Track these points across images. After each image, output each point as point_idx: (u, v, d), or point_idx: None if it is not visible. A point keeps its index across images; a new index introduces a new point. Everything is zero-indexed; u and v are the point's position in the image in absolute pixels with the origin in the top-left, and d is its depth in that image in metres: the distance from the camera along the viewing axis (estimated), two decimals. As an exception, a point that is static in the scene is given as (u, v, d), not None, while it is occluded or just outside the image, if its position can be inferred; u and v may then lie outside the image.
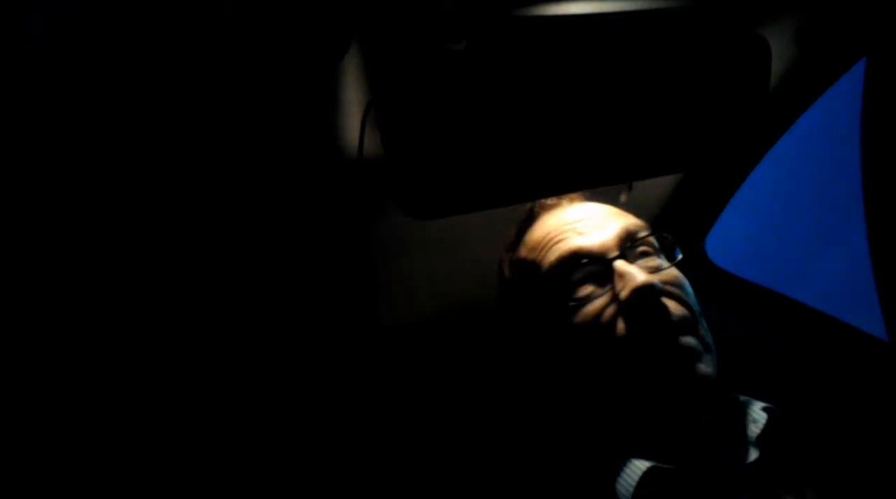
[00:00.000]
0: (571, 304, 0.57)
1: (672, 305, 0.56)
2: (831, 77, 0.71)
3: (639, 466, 0.54)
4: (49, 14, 0.45)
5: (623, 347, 0.55)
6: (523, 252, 0.64)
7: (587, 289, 0.57)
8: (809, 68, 0.70)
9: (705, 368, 0.54)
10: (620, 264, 0.57)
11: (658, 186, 0.85)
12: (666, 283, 0.57)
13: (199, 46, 0.49)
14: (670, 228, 0.66)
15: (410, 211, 0.54)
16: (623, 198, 0.77)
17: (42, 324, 0.61)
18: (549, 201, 0.68)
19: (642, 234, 0.61)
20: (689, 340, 0.54)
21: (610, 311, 0.56)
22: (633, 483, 0.53)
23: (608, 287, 0.57)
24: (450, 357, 0.82)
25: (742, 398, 0.62)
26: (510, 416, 0.73)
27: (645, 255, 0.60)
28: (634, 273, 0.55)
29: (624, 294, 0.55)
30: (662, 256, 0.61)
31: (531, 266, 0.62)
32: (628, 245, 0.59)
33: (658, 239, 0.63)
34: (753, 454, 0.55)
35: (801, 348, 0.80)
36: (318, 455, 0.75)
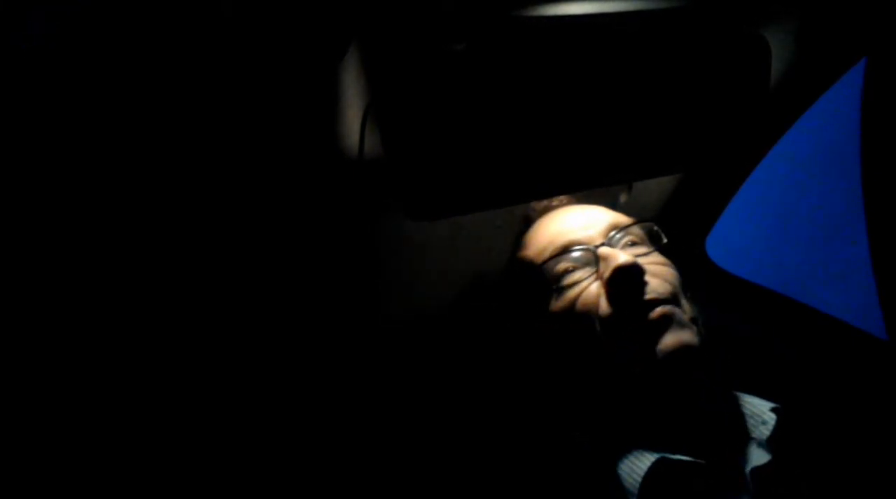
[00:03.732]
0: (560, 291, 0.60)
1: (655, 282, 0.57)
2: (831, 77, 0.71)
3: (647, 457, 0.54)
4: (49, 14, 0.45)
5: (606, 323, 0.56)
6: (523, 256, 0.67)
7: (574, 276, 0.60)
8: (809, 68, 0.70)
9: (687, 335, 0.54)
10: (604, 249, 0.59)
11: (658, 186, 0.85)
12: (650, 264, 0.59)
13: (199, 46, 0.49)
14: (670, 229, 0.66)
15: (410, 212, 0.54)
16: (623, 198, 0.77)
17: (41, 324, 0.61)
18: (542, 205, 0.71)
19: (626, 224, 0.63)
20: (668, 308, 0.55)
21: (593, 291, 0.58)
22: (641, 475, 0.53)
23: (594, 271, 0.59)
24: (449, 355, 0.82)
25: (748, 398, 0.62)
26: (512, 410, 0.73)
27: (633, 244, 0.62)
28: (617, 254, 0.57)
29: (606, 274, 0.57)
30: (649, 245, 0.63)
31: (526, 266, 0.65)
32: (614, 235, 0.61)
33: (643, 229, 0.65)
34: (764, 457, 0.55)
35: (802, 348, 0.80)
36: (318, 448, 0.75)
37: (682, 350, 0.53)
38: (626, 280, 0.56)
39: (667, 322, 0.54)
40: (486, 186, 0.54)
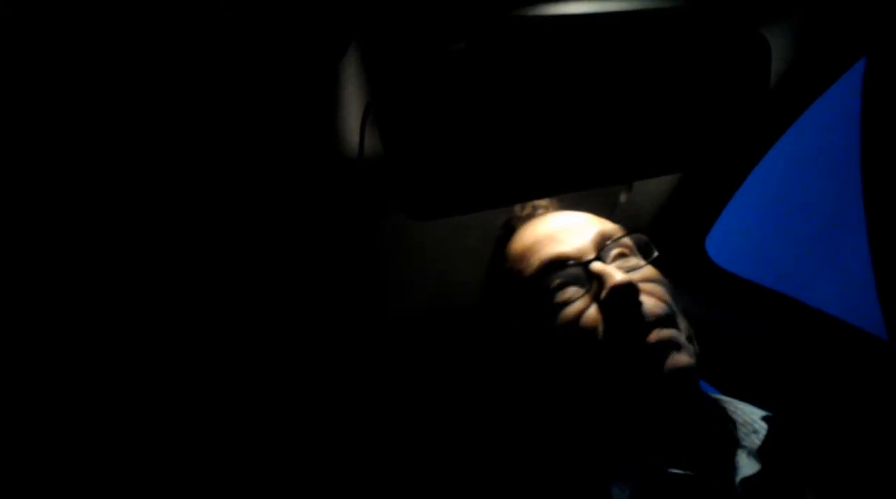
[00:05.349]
0: (552, 308, 0.58)
1: (650, 302, 0.56)
2: (831, 77, 0.71)
3: (636, 470, 0.54)
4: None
5: (604, 344, 0.55)
6: (505, 265, 0.65)
7: (567, 292, 0.58)
8: (809, 68, 0.70)
9: (685, 358, 0.54)
10: (598, 266, 0.58)
11: (658, 186, 0.85)
12: (643, 281, 0.58)
13: (199, 46, 0.49)
14: (670, 229, 0.66)
15: (411, 212, 0.54)
16: (623, 198, 0.77)
17: (41, 324, 0.61)
18: (525, 212, 0.69)
19: (617, 236, 0.62)
20: (668, 332, 0.55)
21: (591, 311, 0.57)
22: (630, 488, 0.53)
23: (587, 289, 0.58)
24: (449, 353, 0.82)
25: (740, 404, 0.62)
26: (505, 417, 0.73)
27: (622, 256, 0.61)
28: (612, 272, 0.56)
29: (603, 294, 0.56)
30: (639, 256, 0.62)
31: (513, 277, 0.63)
32: (604, 247, 0.60)
33: (634, 240, 0.64)
34: (754, 467, 0.55)
35: (802, 348, 0.80)
36: (318, 447, 0.75)
37: (681, 373, 0.53)
38: (622, 302, 0.55)
39: (666, 346, 0.54)
40: (486, 186, 0.54)
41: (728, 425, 0.60)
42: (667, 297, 0.58)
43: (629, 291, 0.55)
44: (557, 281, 0.59)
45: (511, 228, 0.68)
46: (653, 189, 0.85)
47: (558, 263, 0.59)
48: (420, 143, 0.50)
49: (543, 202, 0.70)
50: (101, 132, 0.52)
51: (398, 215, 0.67)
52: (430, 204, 0.54)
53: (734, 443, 0.58)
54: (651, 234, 0.66)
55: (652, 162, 0.60)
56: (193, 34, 0.48)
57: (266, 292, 0.70)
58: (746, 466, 0.55)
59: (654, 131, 0.57)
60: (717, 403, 0.64)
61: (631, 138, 0.57)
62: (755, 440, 0.57)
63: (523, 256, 0.63)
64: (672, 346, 0.54)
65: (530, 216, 0.68)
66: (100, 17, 0.45)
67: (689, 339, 0.57)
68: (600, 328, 0.56)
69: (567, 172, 0.57)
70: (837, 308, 0.81)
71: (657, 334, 0.54)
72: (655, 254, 0.62)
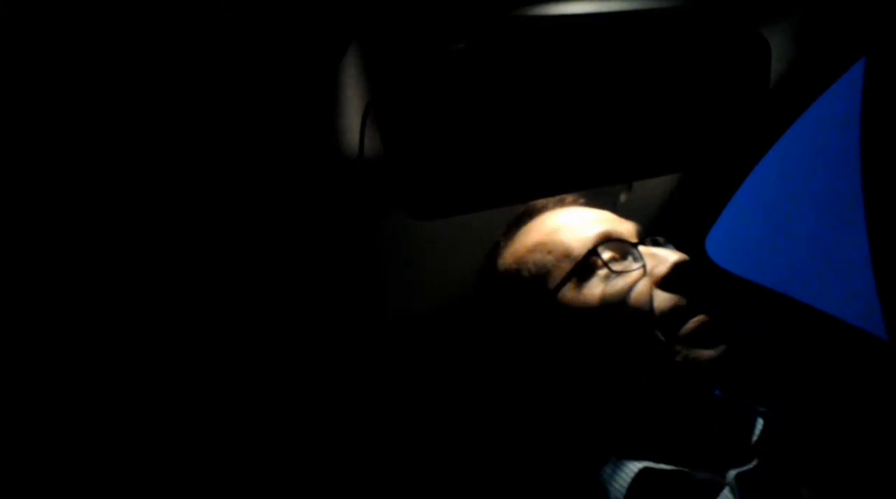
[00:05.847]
0: (604, 278, 0.57)
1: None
2: (831, 77, 0.71)
3: (632, 467, 0.54)
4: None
5: (660, 322, 0.55)
6: (523, 249, 0.63)
7: (623, 263, 0.58)
8: (809, 68, 0.70)
9: (713, 352, 0.54)
10: (646, 248, 0.59)
11: (658, 186, 0.85)
12: None
13: (199, 46, 0.49)
14: (670, 228, 0.66)
15: (411, 211, 0.54)
16: (623, 198, 0.77)
17: (41, 324, 0.61)
18: (540, 203, 0.68)
19: (642, 233, 0.62)
20: (707, 321, 0.55)
21: (642, 285, 0.56)
22: (626, 484, 0.53)
23: (639, 264, 0.57)
24: (450, 353, 0.82)
25: (737, 403, 0.62)
26: (505, 417, 0.73)
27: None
28: (668, 252, 0.57)
29: (662, 269, 0.56)
30: None
31: (558, 251, 0.61)
32: (645, 238, 0.61)
33: (653, 243, 0.64)
34: (750, 462, 0.55)
35: (802, 348, 0.80)
36: (318, 446, 0.76)
37: (713, 363, 0.54)
38: (680, 280, 0.55)
39: (703, 335, 0.54)
40: (486, 186, 0.54)
41: (725, 421, 0.60)
42: None
43: (687, 269, 0.55)
44: (612, 254, 0.58)
45: (532, 211, 0.68)
46: (653, 189, 0.85)
47: (613, 239, 0.59)
48: (420, 142, 0.50)
49: (567, 197, 0.70)
50: (102, 132, 0.52)
51: (398, 215, 0.67)
52: (431, 204, 0.54)
53: (731, 439, 0.58)
54: (651, 234, 0.66)
55: (652, 162, 0.60)
56: (193, 34, 0.48)
57: (266, 292, 0.70)
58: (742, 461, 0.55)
59: (654, 131, 0.57)
60: (716, 400, 0.64)
61: (631, 138, 0.57)
62: (751, 436, 0.57)
63: (565, 232, 0.61)
64: (709, 337, 0.55)
65: (544, 208, 0.67)
66: (100, 17, 0.45)
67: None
68: (659, 302, 0.55)
69: (567, 171, 0.57)
70: (837, 308, 0.81)
71: (697, 319, 0.54)
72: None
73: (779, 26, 0.64)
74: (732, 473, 0.54)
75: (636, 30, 0.55)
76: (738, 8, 0.61)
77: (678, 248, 0.62)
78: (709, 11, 0.59)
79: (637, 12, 0.57)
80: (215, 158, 0.58)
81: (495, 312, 0.66)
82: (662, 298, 0.55)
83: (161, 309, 0.65)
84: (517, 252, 0.64)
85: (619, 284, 0.56)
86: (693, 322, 0.54)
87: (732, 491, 0.53)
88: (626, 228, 0.61)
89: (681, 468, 0.53)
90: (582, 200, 0.70)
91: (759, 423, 0.58)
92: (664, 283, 0.56)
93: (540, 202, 0.69)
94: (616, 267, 0.57)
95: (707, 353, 0.54)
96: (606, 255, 0.58)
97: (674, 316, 0.55)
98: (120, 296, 0.62)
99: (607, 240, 0.59)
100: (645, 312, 0.55)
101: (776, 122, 0.76)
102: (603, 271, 0.58)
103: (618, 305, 0.56)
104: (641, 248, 0.59)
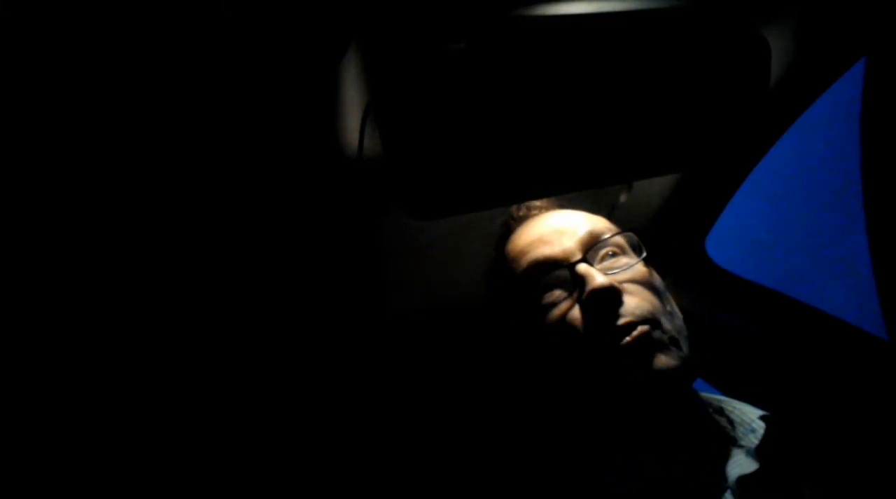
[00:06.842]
0: (540, 309, 0.59)
1: (633, 302, 0.56)
2: (831, 77, 0.71)
3: (633, 471, 0.54)
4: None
5: (586, 345, 0.56)
6: (503, 265, 0.66)
7: (553, 294, 0.59)
8: (809, 68, 0.70)
9: (667, 359, 0.54)
10: (582, 267, 0.58)
11: (658, 186, 0.85)
12: (629, 281, 0.58)
13: (199, 46, 0.49)
14: (670, 229, 0.66)
15: (411, 211, 0.54)
16: (623, 198, 0.77)
17: (41, 324, 0.61)
18: (521, 213, 0.70)
19: (606, 235, 0.62)
20: (647, 332, 0.54)
21: (574, 312, 0.57)
22: (619, 487, 0.53)
23: (571, 291, 0.58)
24: (449, 352, 0.82)
25: (738, 404, 0.62)
26: (503, 417, 0.73)
27: (612, 255, 0.61)
28: (594, 275, 0.57)
29: (583, 296, 0.56)
30: (631, 255, 0.62)
31: (509, 277, 0.64)
32: (592, 248, 0.61)
33: (625, 238, 0.64)
34: (752, 466, 0.55)
35: (802, 348, 0.80)
36: (318, 446, 0.76)
37: (662, 374, 0.53)
38: (601, 304, 0.55)
39: (644, 346, 0.54)
40: (486, 186, 0.54)
41: (725, 424, 0.60)
42: (652, 297, 0.58)
43: (608, 293, 0.55)
44: (544, 283, 0.60)
45: (509, 228, 0.69)
46: (653, 189, 0.85)
47: (545, 266, 0.60)
48: (420, 142, 0.50)
49: (538, 203, 0.70)
50: (102, 132, 0.52)
51: (398, 215, 0.67)
52: (431, 204, 0.54)
53: (732, 442, 0.58)
54: (651, 234, 0.66)
55: (652, 162, 0.60)
56: (193, 34, 0.48)
57: (267, 292, 0.70)
58: (744, 464, 0.55)
59: (654, 131, 0.57)
60: (714, 402, 0.64)
61: (631, 138, 0.57)
62: (753, 440, 0.57)
63: (516, 257, 0.63)
64: (654, 346, 0.54)
65: (525, 217, 0.69)
66: (100, 17, 0.45)
67: (676, 340, 0.56)
68: (582, 329, 0.56)
69: (567, 171, 0.57)
70: (837, 308, 0.81)
71: (634, 335, 0.54)
72: (644, 253, 0.62)
73: (779, 26, 0.64)
74: (734, 476, 0.54)
75: (636, 30, 0.55)
76: (738, 8, 0.61)
77: (678, 248, 0.62)
78: (708, 12, 0.59)
79: (637, 12, 0.57)
80: (215, 158, 0.58)
81: (495, 313, 0.68)
82: (583, 326, 0.56)
83: (161, 308, 0.65)
84: (501, 263, 0.67)
85: (552, 314, 0.58)
86: (629, 338, 0.54)
87: (734, 494, 0.53)
88: (572, 242, 0.61)
89: (682, 473, 0.53)
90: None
91: (762, 427, 0.58)
92: (586, 309, 0.56)
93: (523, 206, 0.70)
94: (546, 300, 0.59)
95: (660, 360, 0.53)
96: (541, 282, 0.60)
97: (601, 340, 0.55)
98: (120, 296, 0.62)
99: (537, 268, 0.60)
100: (580, 337, 0.56)
101: (776, 122, 0.76)
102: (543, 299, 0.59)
103: (557, 334, 0.57)
104: (579, 267, 0.58)
